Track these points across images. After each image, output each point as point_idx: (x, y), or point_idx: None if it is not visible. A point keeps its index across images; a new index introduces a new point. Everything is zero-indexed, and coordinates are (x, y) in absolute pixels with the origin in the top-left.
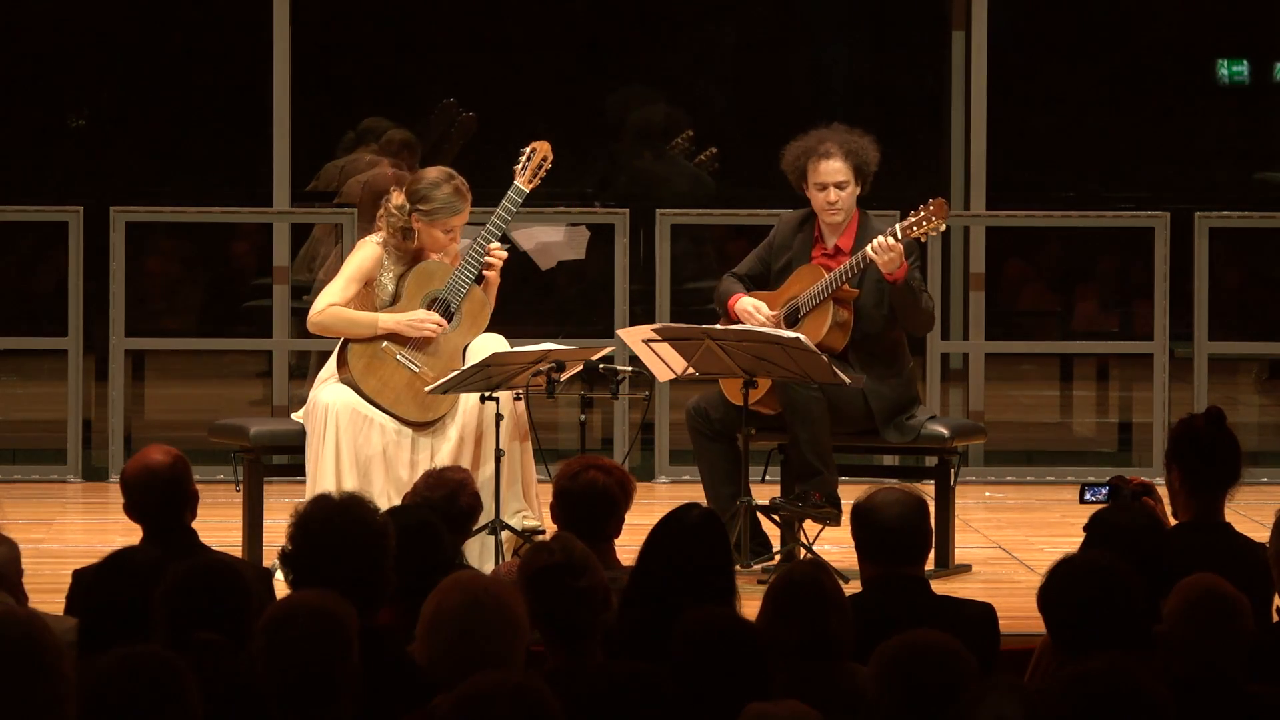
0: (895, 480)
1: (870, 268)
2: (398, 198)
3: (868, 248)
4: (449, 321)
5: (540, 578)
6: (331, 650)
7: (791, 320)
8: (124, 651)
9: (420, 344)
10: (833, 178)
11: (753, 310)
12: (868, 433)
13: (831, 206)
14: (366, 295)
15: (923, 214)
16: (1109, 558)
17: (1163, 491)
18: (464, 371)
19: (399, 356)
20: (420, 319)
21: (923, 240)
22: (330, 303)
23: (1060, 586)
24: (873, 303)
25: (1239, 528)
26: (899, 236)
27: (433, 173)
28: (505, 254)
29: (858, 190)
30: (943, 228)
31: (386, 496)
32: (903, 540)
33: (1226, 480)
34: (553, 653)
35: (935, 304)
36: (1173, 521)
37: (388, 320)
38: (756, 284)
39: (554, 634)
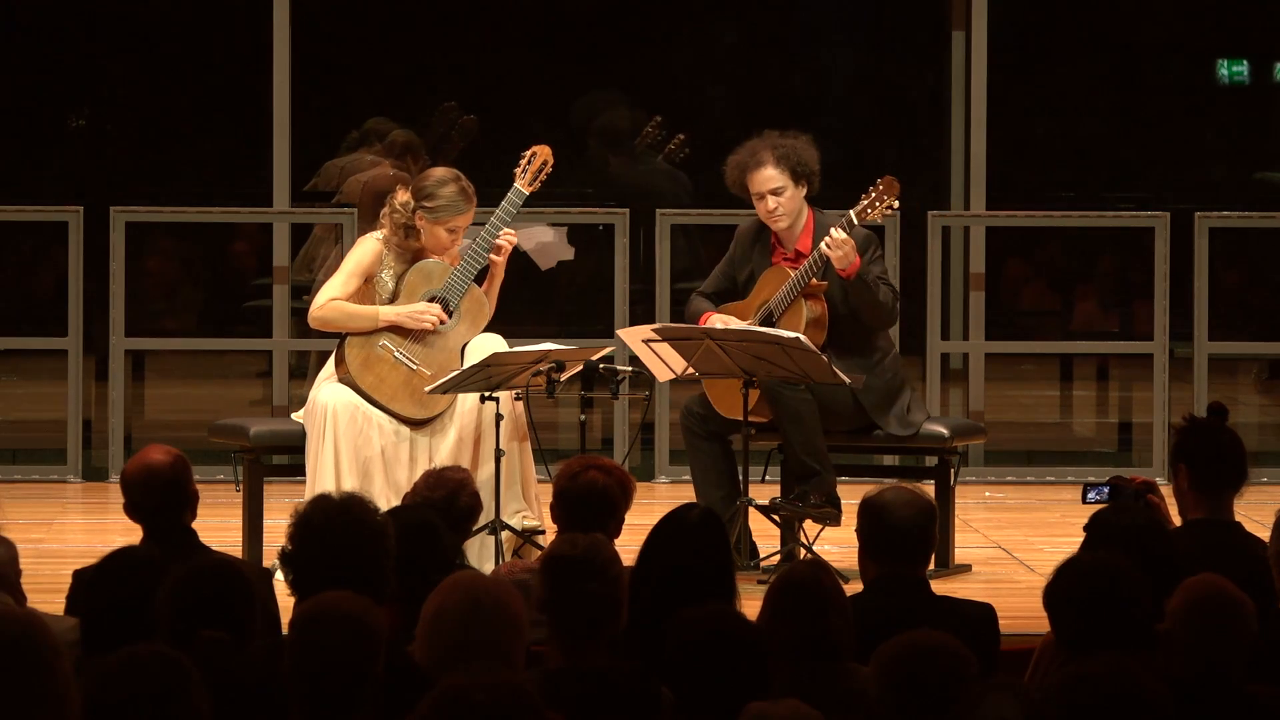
0: (894, 480)
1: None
2: (403, 195)
3: (821, 244)
4: (448, 320)
5: (553, 567)
6: (361, 655)
7: (767, 325)
8: (131, 651)
9: (418, 340)
10: (767, 186)
11: (721, 327)
12: (862, 430)
13: (773, 215)
14: (366, 292)
15: (874, 195)
16: (1114, 558)
17: (1165, 491)
18: (464, 371)
19: (397, 354)
20: (421, 311)
21: (879, 221)
22: (331, 297)
23: (1066, 586)
24: (840, 296)
25: None
26: (854, 222)
27: (439, 172)
28: (514, 239)
29: (801, 192)
30: (896, 204)
31: (385, 497)
32: (911, 542)
33: (1235, 477)
34: (555, 649)
35: (899, 295)
36: (1177, 521)
37: (389, 313)
38: (725, 299)
39: (558, 628)
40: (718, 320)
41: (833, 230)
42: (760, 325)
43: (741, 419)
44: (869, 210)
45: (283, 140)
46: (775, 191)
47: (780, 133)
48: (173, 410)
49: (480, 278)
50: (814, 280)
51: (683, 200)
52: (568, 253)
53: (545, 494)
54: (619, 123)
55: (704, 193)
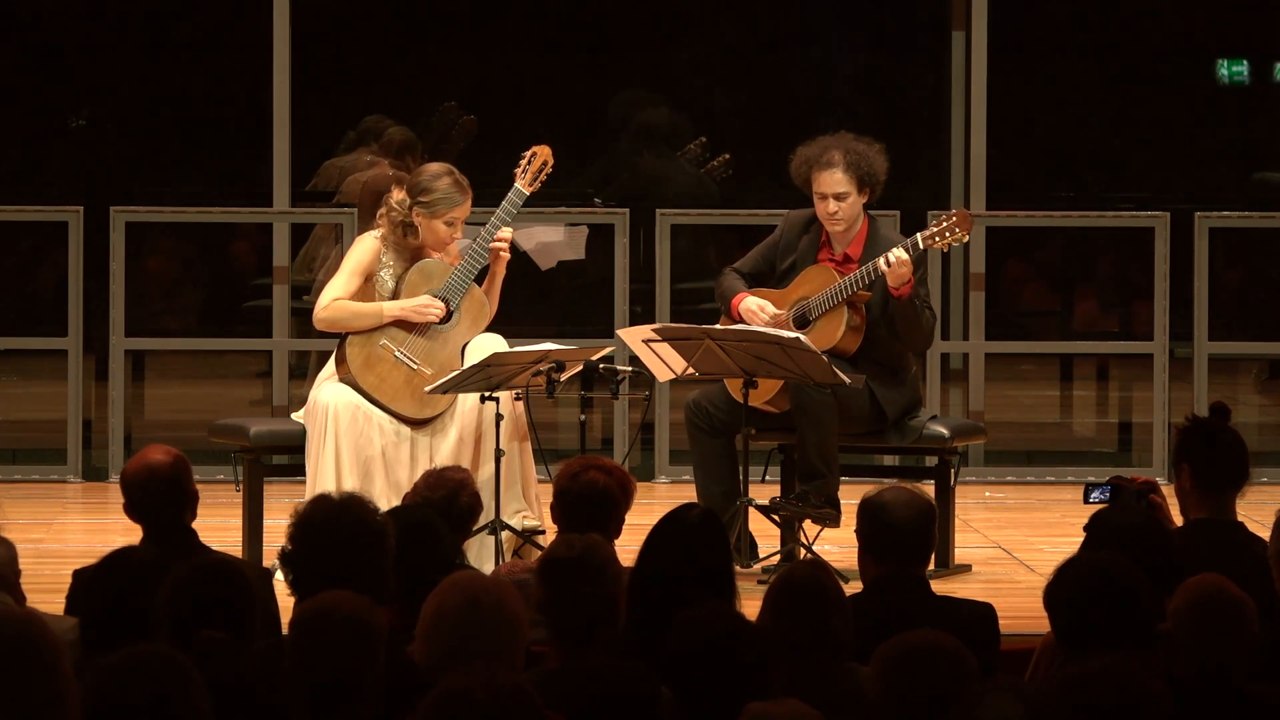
0: (895, 480)
1: (881, 275)
2: (398, 193)
3: (880, 260)
4: (449, 320)
5: (551, 569)
6: (361, 655)
7: (802, 323)
8: (131, 651)
9: (419, 339)
10: (832, 189)
11: (757, 310)
12: (873, 433)
13: (832, 217)
14: (367, 291)
15: (945, 225)
16: (1115, 558)
17: (1166, 491)
18: (464, 371)
19: (397, 354)
20: (425, 304)
21: (945, 251)
22: (335, 297)
23: (1066, 586)
24: (879, 310)
25: None
26: (919, 246)
27: (433, 166)
28: (510, 236)
29: (863, 200)
30: (965, 239)
31: (386, 497)
32: (910, 542)
33: (1238, 476)
34: (555, 650)
35: (937, 318)
36: (1179, 521)
37: (392, 308)
38: (758, 281)
39: (557, 629)
40: (753, 303)
41: (897, 250)
42: (794, 321)
43: (762, 409)
44: (936, 239)
45: (283, 140)
46: (839, 196)
47: (855, 135)
48: (173, 410)
49: (480, 278)
50: (860, 290)
51: (701, 204)
52: (578, 251)
53: (545, 494)
54: (657, 120)
55: (718, 197)
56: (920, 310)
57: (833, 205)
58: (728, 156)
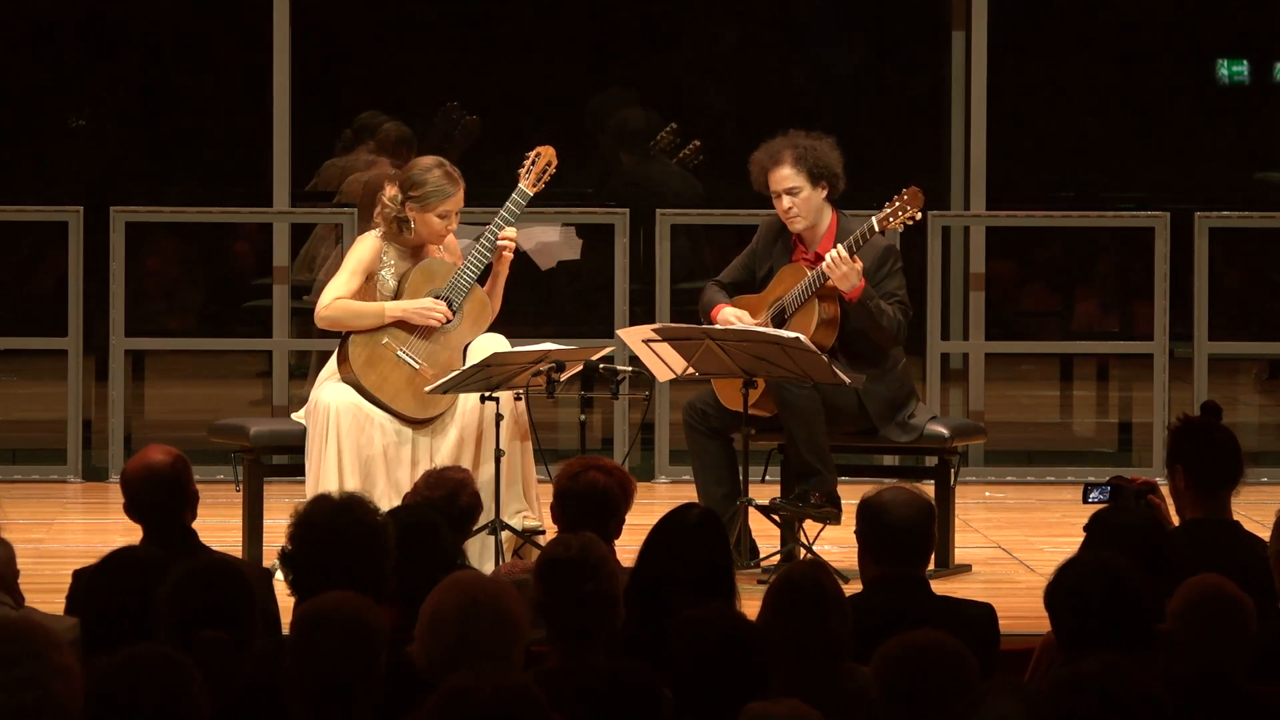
0: (894, 480)
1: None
2: (390, 189)
3: (823, 263)
4: (451, 320)
5: (549, 570)
6: (362, 655)
7: (779, 321)
8: (131, 651)
9: (421, 339)
10: (783, 185)
11: (734, 320)
12: (866, 432)
13: (788, 214)
14: (369, 290)
15: (897, 204)
16: (1115, 558)
17: (1166, 491)
18: (464, 371)
19: (399, 353)
20: (428, 307)
21: (900, 229)
22: (336, 296)
23: (1067, 586)
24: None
25: None
26: (875, 229)
27: (423, 160)
28: (514, 235)
29: (820, 194)
30: (919, 216)
31: (387, 497)
32: (910, 542)
33: (1232, 475)
34: (555, 650)
35: (909, 313)
36: (1177, 521)
37: (394, 308)
38: (741, 291)
39: (557, 629)
40: (730, 313)
41: (838, 247)
42: (772, 320)
43: (753, 413)
44: (891, 219)
45: (283, 140)
46: (791, 191)
47: (806, 133)
48: (173, 410)
49: (483, 278)
50: (829, 281)
51: (694, 204)
52: (574, 252)
53: (545, 494)
54: (633, 122)
55: (702, 193)
56: (879, 311)
57: (786, 201)
58: (699, 144)
